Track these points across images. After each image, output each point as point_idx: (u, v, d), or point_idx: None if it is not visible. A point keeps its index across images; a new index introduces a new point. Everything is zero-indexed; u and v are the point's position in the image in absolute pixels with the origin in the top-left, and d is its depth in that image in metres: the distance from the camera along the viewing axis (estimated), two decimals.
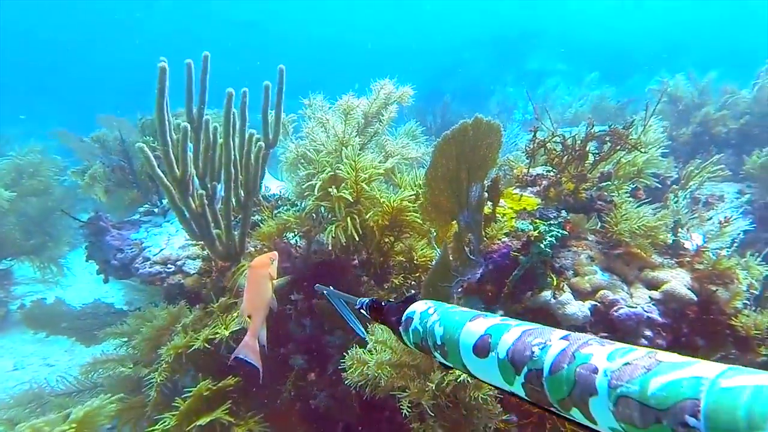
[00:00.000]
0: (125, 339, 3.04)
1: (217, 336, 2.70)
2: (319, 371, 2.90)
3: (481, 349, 0.87)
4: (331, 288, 1.57)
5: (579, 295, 2.53)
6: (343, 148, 2.98)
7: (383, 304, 1.29)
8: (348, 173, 2.80)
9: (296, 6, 32.44)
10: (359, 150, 3.00)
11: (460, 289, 2.61)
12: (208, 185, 2.97)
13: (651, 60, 15.04)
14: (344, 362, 2.41)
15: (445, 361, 1.01)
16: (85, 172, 4.38)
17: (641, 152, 2.92)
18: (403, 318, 1.15)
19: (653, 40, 18.20)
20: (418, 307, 1.13)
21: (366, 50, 26.65)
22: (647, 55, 16.26)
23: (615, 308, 2.42)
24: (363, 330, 1.55)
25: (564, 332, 0.78)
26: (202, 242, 3.08)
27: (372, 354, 2.36)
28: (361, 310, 1.36)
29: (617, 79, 7.47)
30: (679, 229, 2.74)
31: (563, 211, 2.84)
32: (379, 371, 2.30)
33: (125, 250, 3.64)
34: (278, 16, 32.78)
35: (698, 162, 3.98)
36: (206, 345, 2.67)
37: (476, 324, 0.93)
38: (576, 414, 0.69)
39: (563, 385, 0.70)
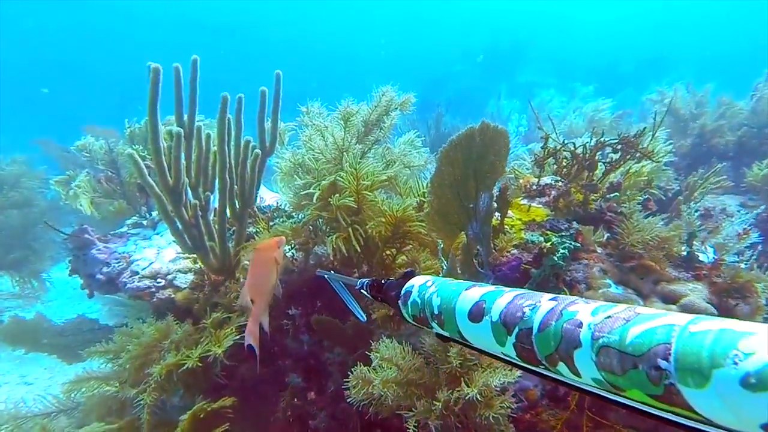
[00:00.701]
0: (111, 357, 2.86)
1: (210, 354, 2.55)
2: (318, 390, 2.75)
3: (476, 314, 0.91)
4: (332, 272, 1.62)
5: None
6: (344, 154, 2.86)
7: (383, 282, 1.32)
8: (349, 182, 2.69)
9: (283, 15, 32.65)
10: (360, 157, 2.88)
11: None
12: (202, 195, 2.84)
13: (641, 73, 15.23)
14: (347, 381, 2.28)
15: (441, 331, 1.04)
16: (69, 183, 4.19)
17: (654, 161, 2.83)
18: (402, 292, 1.18)
19: (642, 54, 18.42)
20: (417, 281, 1.17)
21: (356, 62, 26.79)
22: (637, 69, 16.45)
23: None
24: (362, 313, 1.57)
25: (553, 295, 0.82)
26: (194, 255, 2.94)
27: (377, 372, 2.23)
28: (362, 290, 1.39)
29: (608, 93, 7.46)
30: (694, 241, 2.65)
31: (574, 222, 2.74)
32: (385, 389, 2.17)
33: (112, 264, 3.47)
34: (265, 26, 32.94)
35: (701, 172, 3.92)
36: (198, 363, 2.52)
37: (472, 292, 0.96)
38: (562, 368, 0.73)
39: (551, 340, 0.73)
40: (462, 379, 2.16)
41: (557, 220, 2.74)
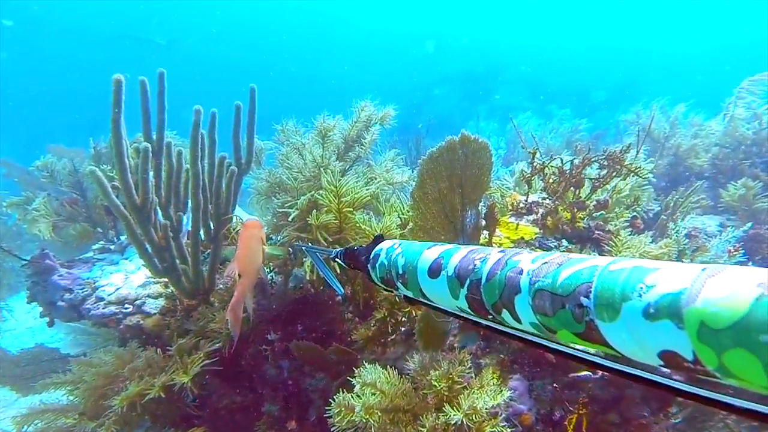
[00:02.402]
0: (69, 388, 2.64)
1: (176, 382, 2.37)
2: (298, 419, 2.58)
3: (435, 270, 0.95)
4: (309, 244, 1.72)
5: None
6: (323, 172, 2.75)
7: (355, 249, 1.37)
8: (329, 200, 2.57)
9: (264, 37, 32.78)
10: (340, 175, 2.77)
11: (457, 325, 2.38)
12: (173, 215, 2.68)
13: (612, 97, 15.59)
14: (329, 409, 2.13)
15: (406, 291, 1.08)
16: (27, 204, 3.91)
17: (640, 177, 2.78)
18: (371, 255, 1.22)
19: (613, 79, 18.88)
20: (385, 244, 1.21)
21: (333, 86, 26.88)
22: (608, 93, 16.84)
23: None
24: (340, 287, 1.59)
25: (502, 249, 0.87)
26: (165, 279, 2.76)
27: (360, 398, 2.09)
28: (336, 260, 1.45)
29: (582, 116, 7.55)
30: (683, 259, 2.59)
31: (564, 240, 2.66)
32: (368, 417, 2.03)
33: (75, 290, 3.26)
34: (248, 51, 33.01)
35: (682, 191, 3.92)
36: (161, 394, 2.33)
37: (432, 251, 1.01)
38: (506, 316, 0.77)
39: (496, 289, 0.78)
40: (449, 403, 2.04)
41: (546, 238, 2.66)
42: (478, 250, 0.89)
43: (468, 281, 0.85)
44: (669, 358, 0.53)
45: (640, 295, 0.54)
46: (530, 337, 0.77)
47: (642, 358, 0.58)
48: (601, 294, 0.59)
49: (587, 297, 0.60)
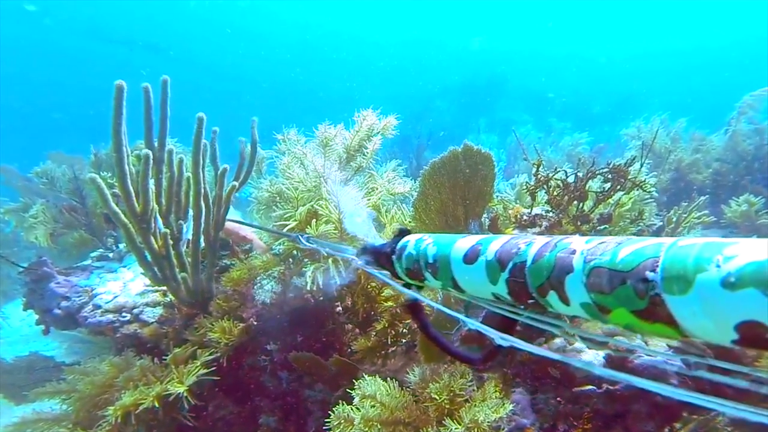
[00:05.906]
0: (63, 397, 2.59)
1: (171, 393, 2.32)
2: (297, 430, 2.54)
3: (471, 256, 0.94)
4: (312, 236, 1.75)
5: (591, 342, 2.29)
6: (323, 182, 2.73)
7: (375, 245, 1.35)
8: (329, 211, 2.55)
9: (264, 47, 32.96)
10: (342, 185, 2.75)
11: (459, 337, 2.36)
12: (173, 223, 2.66)
13: (613, 111, 15.65)
14: (328, 421, 2.10)
15: (434, 280, 1.07)
16: (24, 212, 3.88)
17: (645, 191, 2.77)
18: (398, 247, 1.21)
19: (613, 92, 18.94)
20: (412, 237, 1.21)
21: (334, 96, 26.96)
22: (609, 107, 16.90)
23: (634, 355, 2.19)
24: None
25: (550, 234, 0.90)
26: (164, 287, 2.73)
27: (359, 410, 2.06)
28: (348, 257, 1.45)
29: (581, 129, 7.57)
30: None
31: None
32: (367, 429, 2.00)
33: (72, 298, 3.22)
34: (248, 60, 33.16)
35: (684, 206, 3.90)
36: (156, 403, 2.29)
37: (467, 240, 1.00)
38: (552, 298, 0.76)
39: (543, 270, 0.76)
40: (450, 416, 2.02)
41: None
42: (522, 236, 0.88)
43: (511, 264, 0.83)
44: (749, 329, 0.51)
45: (719, 266, 0.53)
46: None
47: (711, 334, 0.56)
48: (671, 267, 0.58)
49: (653, 271, 0.59)
